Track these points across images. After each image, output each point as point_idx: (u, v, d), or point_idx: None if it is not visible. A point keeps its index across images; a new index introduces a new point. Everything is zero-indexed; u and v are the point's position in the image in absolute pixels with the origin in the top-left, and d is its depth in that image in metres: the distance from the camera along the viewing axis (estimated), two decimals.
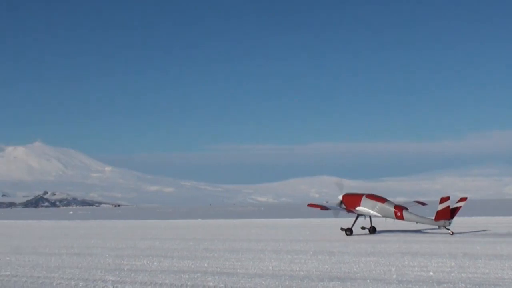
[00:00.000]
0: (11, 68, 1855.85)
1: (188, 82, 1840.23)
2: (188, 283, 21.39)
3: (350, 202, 46.20)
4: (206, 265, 26.76)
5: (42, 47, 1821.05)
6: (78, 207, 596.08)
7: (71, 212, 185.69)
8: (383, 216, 45.10)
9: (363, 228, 46.53)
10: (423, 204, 51.21)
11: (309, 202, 55.94)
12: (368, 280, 21.24)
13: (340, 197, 46.90)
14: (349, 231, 44.56)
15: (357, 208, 45.54)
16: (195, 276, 23.05)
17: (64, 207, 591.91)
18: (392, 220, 45.14)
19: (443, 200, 42.70)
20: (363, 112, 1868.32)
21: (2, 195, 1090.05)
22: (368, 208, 45.33)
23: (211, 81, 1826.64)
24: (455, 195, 51.08)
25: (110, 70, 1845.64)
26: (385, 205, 44.88)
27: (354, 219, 46.17)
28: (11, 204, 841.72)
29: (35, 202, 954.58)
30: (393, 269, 24.00)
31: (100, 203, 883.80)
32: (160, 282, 21.89)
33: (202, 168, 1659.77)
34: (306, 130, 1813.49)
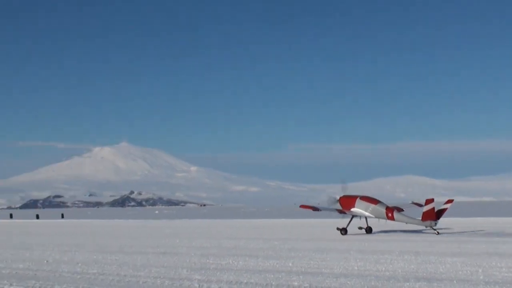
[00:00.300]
0: (99, 69, 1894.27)
1: (270, 81, 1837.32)
2: (273, 283, 21.36)
3: (346, 203, 49.17)
4: (290, 264, 26.73)
5: (126, 47, 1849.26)
6: (163, 206, 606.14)
7: (157, 212, 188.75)
8: (376, 217, 48.06)
9: (360, 228, 49.42)
10: (420, 205, 51.40)
11: (301, 204, 57.56)
12: (455, 281, 20.85)
13: (337, 198, 50.21)
14: (343, 231, 47.35)
15: (351, 209, 48.43)
16: (280, 276, 23.02)
17: (150, 207, 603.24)
18: (384, 220, 47.94)
19: (428, 202, 45.02)
20: (448, 110, 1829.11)
21: (90, 195, 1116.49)
22: (362, 209, 48.21)
23: (295, 80, 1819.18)
24: None
25: (192, 69, 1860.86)
26: (377, 207, 47.90)
27: (347, 219, 48.93)
28: (98, 204, 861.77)
29: (122, 202, 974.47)
30: (480, 270, 23.51)
31: (185, 202, 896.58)
32: (245, 281, 21.92)
33: (286, 167, 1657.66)
34: (391, 129, 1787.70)
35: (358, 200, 48.92)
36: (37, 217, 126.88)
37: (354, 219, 48.80)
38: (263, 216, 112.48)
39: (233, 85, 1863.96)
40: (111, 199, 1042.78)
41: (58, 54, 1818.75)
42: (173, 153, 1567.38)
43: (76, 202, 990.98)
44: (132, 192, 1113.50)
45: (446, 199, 48.45)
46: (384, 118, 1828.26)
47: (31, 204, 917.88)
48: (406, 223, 47.08)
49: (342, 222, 48.73)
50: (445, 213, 46.77)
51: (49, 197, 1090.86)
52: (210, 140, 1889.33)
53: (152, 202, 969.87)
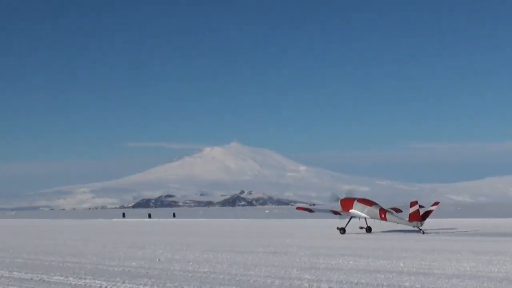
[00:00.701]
0: (208, 70, 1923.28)
1: (383, 80, 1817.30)
2: (384, 283, 21.01)
3: (345, 205, 53.94)
4: (401, 264, 26.24)
5: (241, 47, 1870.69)
6: (273, 206, 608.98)
7: (267, 211, 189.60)
8: (371, 217, 52.43)
9: (361, 227, 53.73)
10: (421, 207, 52.75)
11: (298, 206, 65.42)
12: None
13: (348, 200, 54.57)
14: (342, 230, 51.98)
15: (350, 211, 53.11)
16: (391, 276, 22.64)
17: (260, 206, 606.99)
18: (379, 220, 51.79)
19: (412, 204, 49.33)
20: None
21: (201, 194, 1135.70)
22: (359, 211, 52.65)
23: (405, 79, 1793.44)
24: None
25: (299, 68, 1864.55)
26: (372, 208, 52.12)
27: (346, 218, 53.60)
28: (209, 203, 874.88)
29: (232, 201, 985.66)
30: None
31: (295, 202, 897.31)
32: (355, 281, 21.63)
33: (397, 167, 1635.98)
34: (502, 128, 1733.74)
35: (355, 202, 53.35)
36: (149, 216, 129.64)
37: (353, 219, 53.47)
38: None
39: (341, 83, 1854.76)
40: (222, 198, 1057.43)
41: (170, 54, 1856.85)
42: (283, 153, 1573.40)
43: (188, 202, 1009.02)
44: (242, 192, 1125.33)
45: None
46: (493, 116, 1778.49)
47: (143, 204, 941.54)
48: (397, 223, 51.06)
49: (341, 222, 53.28)
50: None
51: (160, 196, 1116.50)
52: (318, 139, 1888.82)
53: (262, 201, 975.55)
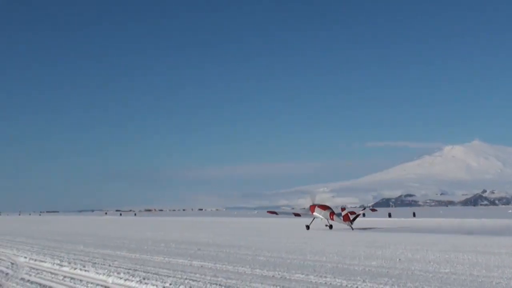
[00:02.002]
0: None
1: None
2: None
3: (312, 209, 73.47)
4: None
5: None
6: None
7: (510, 211, 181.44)
8: (325, 218, 71.40)
9: (326, 225, 71.34)
10: (374, 210, 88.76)
11: (268, 210, 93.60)
12: None
13: (308, 206, 75.28)
14: (307, 227, 70.35)
15: (313, 213, 72.73)
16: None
17: (503, 206, 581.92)
18: (329, 221, 70.76)
19: (342, 209, 70.57)
20: None
21: (441, 194, 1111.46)
22: (318, 213, 72.29)
23: None
24: None
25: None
26: (325, 212, 71.44)
27: (311, 219, 72.63)
28: (450, 203, 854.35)
29: (474, 201, 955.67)
30: None
31: None
32: None
33: None
34: None
35: (316, 207, 72.87)
36: (389, 215, 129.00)
37: (315, 219, 72.42)
38: None
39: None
40: (463, 198, 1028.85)
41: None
42: None
43: (428, 201, 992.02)
44: (484, 191, 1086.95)
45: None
46: None
47: (383, 203, 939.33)
48: (339, 222, 69.20)
49: (307, 220, 73.48)
50: None
51: (400, 196, 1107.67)
52: None
53: (505, 201, 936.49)
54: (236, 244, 44.01)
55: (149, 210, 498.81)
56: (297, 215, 77.38)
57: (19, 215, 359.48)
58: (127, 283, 22.84)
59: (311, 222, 70.95)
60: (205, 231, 70.45)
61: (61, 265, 29.13)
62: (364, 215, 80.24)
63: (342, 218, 68.09)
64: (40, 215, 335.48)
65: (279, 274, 24.88)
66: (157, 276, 24.01)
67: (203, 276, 24.15)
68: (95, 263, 29.87)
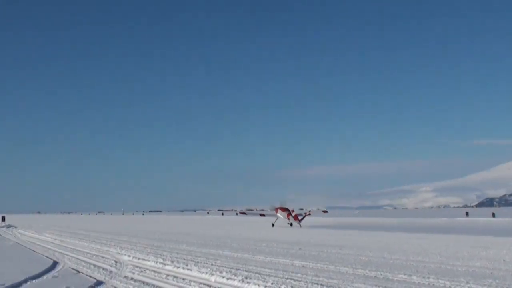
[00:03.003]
0: None
1: None
2: None
3: (276, 211, 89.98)
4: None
5: None
6: None
7: None
8: (284, 218, 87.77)
9: (288, 223, 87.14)
10: (325, 211, 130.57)
11: (240, 210, 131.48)
12: None
13: (274, 208, 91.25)
14: (272, 225, 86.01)
15: (277, 214, 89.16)
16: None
17: None
18: (287, 220, 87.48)
19: (292, 211, 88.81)
20: None
21: None
22: (279, 214, 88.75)
23: None
24: None
25: None
26: (284, 213, 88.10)
27: (274, 219, 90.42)
28: None
29: None
30: None
31: None
32: None
33: None
34: None
35: (279, 209, 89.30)
36: (493, 215, 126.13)
37: (278, 219, 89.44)
38: None
39: None
40: None
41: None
42: None
43: None
44: None
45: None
46: None
47: (487, 203, 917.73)
48: (292, 221, 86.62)
49: (272, 220, 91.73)
50: None
51: (504, 195, 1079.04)
52: None
53: None
54: (338, 244, 43.90)
55: (251, 210, 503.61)
56: (262, 215, 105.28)
57: (123, 214, 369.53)
58: (230, 282, 23.07)
59: (275, 221, 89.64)
60: (303, 230, 70.44)
61: (164, 264, 29.67)
62: (310, 214, 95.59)
63: (293, 218, 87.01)
64: (143, 214, 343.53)
65: (381, 274, 24.65)
66: (259, 276, 24.16)
67: (304, 276, 24.17)
68: (198, 262, 30.31)
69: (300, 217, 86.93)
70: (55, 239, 55.51)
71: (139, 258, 33.24)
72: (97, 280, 24.40)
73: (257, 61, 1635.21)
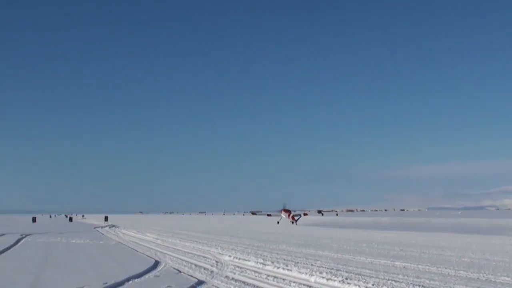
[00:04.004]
0: None
1: None
2: None
3: (280, 212, 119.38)
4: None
5: None
6: None
7: None
8: (285, 217, 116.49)
9: (291, 222, 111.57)
10: (321, 212, 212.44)
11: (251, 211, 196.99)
12: None
13: (281, 210, 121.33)
14: (278, 223, 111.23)
15: (281, 215, 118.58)
16: None
17: None
18: (289, 219, 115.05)
19: (289, 212, 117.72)
20: None
21: None
22: (283, 215, 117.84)
23: None
24: None
25: None
26: (285, 213, 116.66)
27: (279, 218, 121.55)
28: None
29: None
30: None
31: None
32: None
33: None
34: None
35: (282, 211, 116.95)
36: None
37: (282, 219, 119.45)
38: None
39: None
40: None
41: None
42: None
43: None
44: None
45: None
46: None
47: None
48: (290, 221, 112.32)
49: (277, 219, 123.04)
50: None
51: None
52: None
53: None
54: (439, 245, 43.36)
55: (351, 211, 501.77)
56: (269, 215, 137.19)
57: (223, 214, 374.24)
58: (330, 282, 23.16)
59: (279, 220, 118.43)
60: (400, 231, 69.74)
61: (264, 264, 29.96)
62: (306, 215, 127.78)
63: (291, 218, 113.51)
64: (243, 215, 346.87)
65: (484, 276, 24.27)
66: (360, 277, 24.18)
67: (405, 277, 24.04)
68: (298, 262, 30.50)
69: (296, 218, 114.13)
70: (157, 239, 56.66)
71: (239, 258, 33.61)
72: (198, 280, 24.85)
73: None
